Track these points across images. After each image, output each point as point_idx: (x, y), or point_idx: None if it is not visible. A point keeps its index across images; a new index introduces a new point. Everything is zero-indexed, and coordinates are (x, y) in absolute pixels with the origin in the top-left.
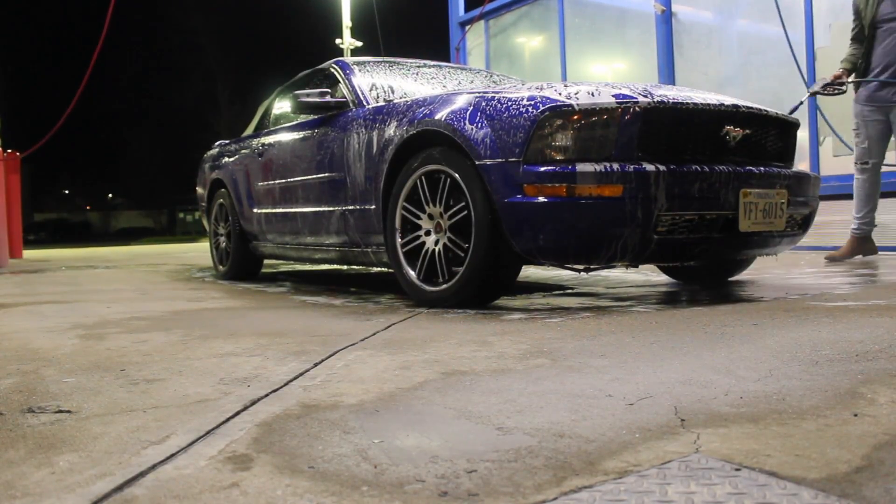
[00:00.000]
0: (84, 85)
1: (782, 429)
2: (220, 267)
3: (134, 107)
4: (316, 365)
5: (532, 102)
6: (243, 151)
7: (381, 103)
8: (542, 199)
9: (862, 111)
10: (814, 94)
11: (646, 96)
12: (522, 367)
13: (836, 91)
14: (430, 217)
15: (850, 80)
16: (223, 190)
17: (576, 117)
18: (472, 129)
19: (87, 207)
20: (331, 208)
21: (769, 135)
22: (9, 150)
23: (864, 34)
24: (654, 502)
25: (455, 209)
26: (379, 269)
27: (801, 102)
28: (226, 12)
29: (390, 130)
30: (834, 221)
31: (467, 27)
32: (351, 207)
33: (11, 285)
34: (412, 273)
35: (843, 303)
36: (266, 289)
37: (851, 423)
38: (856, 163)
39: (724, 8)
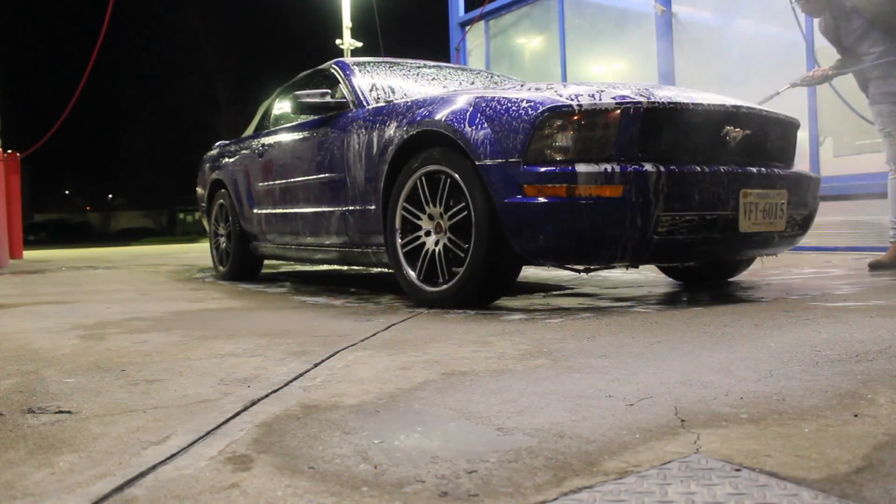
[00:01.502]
0: (83, 85)
1: (782, 429)
2: (221, 267)
3: (134, 107)
4: (316, 365)
5: (532, 103)
6: (243, 152)
7: (382, 104)
8: (542, 199)
9: (881, 110)
10: (794, 86)
11: (646, 97)
12: (522, 368)
13: (817, 82)
14: (430, 217)
15: (832, 72)
16: (223, 190)
17: (576, 118)
18: (472, 129)
19: (88, 208)
20: (331, 209)
21: (769, 135)
22: (9, 151)
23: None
24: (655, 503)
25: (455, 209)
26: (379, 269)
27: (778, 93)
28: (226, 12)
29: (390, 131)
30: (834, 222)
31: (467, 27)
32: (351, 208)
33: (12, 286)
34: (412, 273)
35: (843, 303)
36: (266, 289)
37: (851, 424)
38: (887, 163)
39: (724, 8)
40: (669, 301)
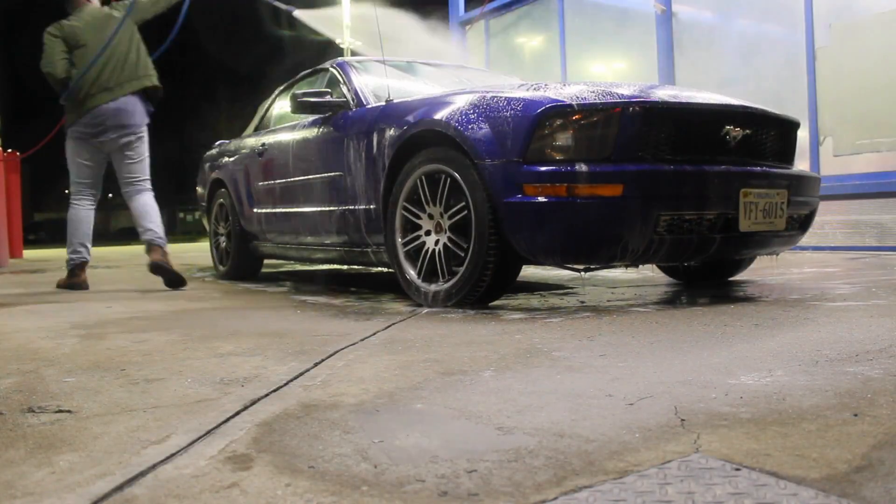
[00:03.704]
0: None
1: (782, 428)
2: (221, 267)
3: None
4: (316, 365)
5: (532, 102)
6: (243, 151)
7: (381, 103)
8: (542, 198)
9: None
10: None
11: (646, 96)
12: (522, 367)
13: None
14: (430, 217)
15: None
16: (223, 190)
17: (576, 117)
18: (472, 128)
19: None
20: (331, 208)
21: (769, 135)
22: (9, 150)
23: None
24: (654, 502)
25: (455, 209)
26: (379, 269)
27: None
28: (226, 12)
29: (390, 130)
30: (834, 222)
31: (468, 27)
32: (351, 207)
33: (11, 285)
34: (412, 273)
35: (843, 303)
36: (266, 289)
37: (851, 423)
38: None
39: (724, 8)
40: (669, 300)
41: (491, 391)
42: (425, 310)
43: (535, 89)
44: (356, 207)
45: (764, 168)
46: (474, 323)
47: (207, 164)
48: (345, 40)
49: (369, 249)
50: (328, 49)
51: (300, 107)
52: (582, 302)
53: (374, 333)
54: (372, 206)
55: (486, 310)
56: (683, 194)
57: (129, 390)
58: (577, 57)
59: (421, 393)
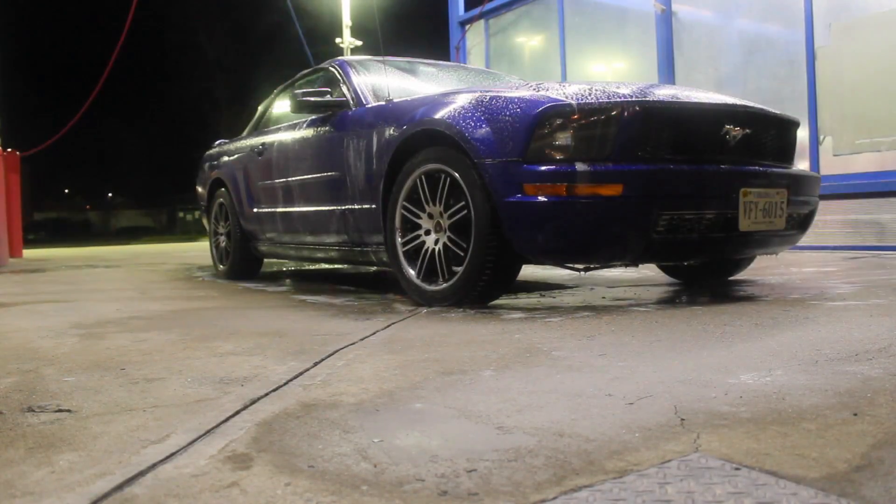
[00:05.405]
0: (94, 95)
1: (782, 428)
2: (220, 266)
3: (134, 106)
4: (316, 364)
5: (532, 102)
6: (243, 151)
7: (381, 103)
8: (541, 198)
9: None
10: None
11: (645, 96)
12: (522, 367)
13: None
14: (430, 216)
15: None
16: (223, 189)
17: (575, 116)
18: (471, 128)
19: (88, 207)
20: (331, 208)
21: (769, 134)
22: (9, 149)
23: None
24: (654, 501)
25: (455, 209)
26: (379, 268)
27: None
28: (226, 12)
29: (390, 130)
30: (834, 221)
31: (467, 27)
32: (351, 207)
33: (11, 284)
34: (412, 272)
35: (843, 302)
36: (266, 288)
37: (851, 423)
38: None
39: (724, 8)
40: (669, 300)
41: (491, 391)
42: (425, 309)
43: (534, 89)
44: (356, 207)
45: (764, 167)
46: (474, 322)
47: (207, 164)
48: (344, 39)
49: (369, 249)
50: None
51: (300, 106)
52: (581, 301)
53: (374, 333)
54: (372, 206)
55: (485, 309)
56: (683, 194)
57: (128, 390)
58: (577, 57)
59: (421, 392)
